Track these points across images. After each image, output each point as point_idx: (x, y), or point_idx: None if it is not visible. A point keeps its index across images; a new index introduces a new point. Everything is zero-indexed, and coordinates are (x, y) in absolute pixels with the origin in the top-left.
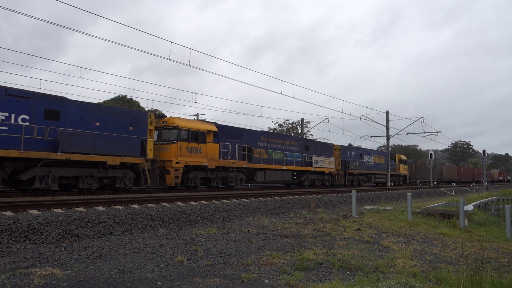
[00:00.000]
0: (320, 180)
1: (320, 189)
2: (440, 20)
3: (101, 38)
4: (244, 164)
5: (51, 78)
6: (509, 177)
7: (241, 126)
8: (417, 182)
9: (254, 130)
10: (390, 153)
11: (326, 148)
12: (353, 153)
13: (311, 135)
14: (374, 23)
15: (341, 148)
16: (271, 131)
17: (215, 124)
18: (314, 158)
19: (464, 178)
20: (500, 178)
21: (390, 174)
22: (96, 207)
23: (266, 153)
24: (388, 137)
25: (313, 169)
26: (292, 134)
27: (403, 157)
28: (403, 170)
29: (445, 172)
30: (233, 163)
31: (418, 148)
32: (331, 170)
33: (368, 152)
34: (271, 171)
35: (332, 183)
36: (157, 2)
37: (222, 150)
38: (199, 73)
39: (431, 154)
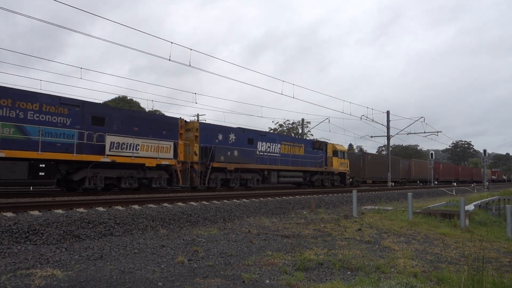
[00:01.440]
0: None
1: (321, 189)
2: (441, 19)
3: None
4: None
5: (50, 79)
6: (504, 177)
7: (242, 126)
8: (369, 181)
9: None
10: (318, 141)
11: (160, 125)
12: (231, 136)
13: (312, 135)
14: (375, 22)
15: (200, 128)
16: (271, 131)
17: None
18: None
19: (443, 178)
20: (494, 177)
21: (316, 172)
22: (96, 208)
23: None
24: (388, 137)
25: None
26: (292, 134)
27: (341, 147)
28: (340, 165)
29: (415, 169)
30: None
31: (418, 148)
32: (165, 162)
33: (270, 137)
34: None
35: (170, 184)
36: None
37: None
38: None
39: (431, 154)
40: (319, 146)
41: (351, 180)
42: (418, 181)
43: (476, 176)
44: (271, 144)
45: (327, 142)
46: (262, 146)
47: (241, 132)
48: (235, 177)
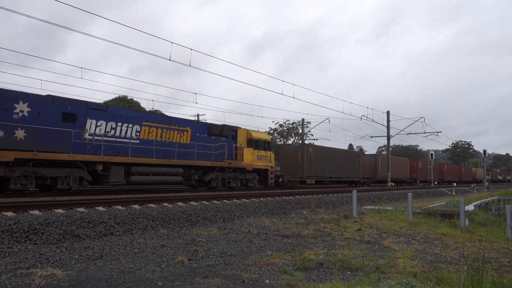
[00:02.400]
0: None
1: (321, 189)
2: (442, 19)
3: (99, 38)
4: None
5: (50, 78)
6: (499, 177)
7: (241, 126)
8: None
9: None
10: (218, 125)
11: None
12: (21, 107)
13: (312, 135)
14: (375, 21)
15: None
16: (271, 131)
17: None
18: None
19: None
20: (488, 177)
21: (213, 168)
22: (97, 208)
23: None
24: (388, 137)
25: None
26: (293, 135)
27: (261, 134)
28: (257, 159)
29: (381, 168)
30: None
31: (418, 148)
32: None
33: (116, 114)
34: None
35: None
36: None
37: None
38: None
39: (431, 154)
40: (221, 132)
41: (281, 179)
42: (418, 182)
43: (465, 176)
44: (120, 124)
45: (238, 127)
46: (97, 126)
47: (49, 102)
48: (22, 174)
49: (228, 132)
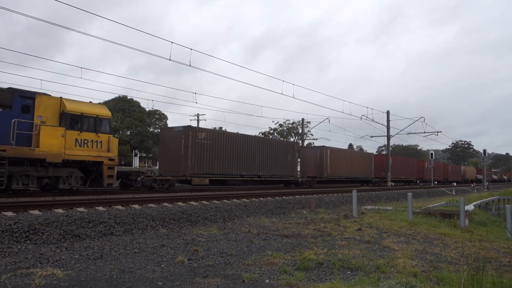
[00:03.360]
0: None
1: (321, 189)
2: (442, 18)
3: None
4: None
5: (49, 78)
6: (495, 176)
7: (242, 126)
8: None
9: None
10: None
11: None
12: None
13: (312, 135)
14: (375, 21)
15: None
16: (271, 131)
17: None
18: None
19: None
20: (480, 176)
21: None
22: (97, 207)
23: None
24: (388, 137)
25: None
26: (293, 134)
27: (85, 107)
28: (78, 147)
29: (331, 163)
30: None
31: (418, 148)
32: None
33: None
34: None
35: None
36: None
37: None
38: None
39: (431, 154)
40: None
41: (155, 178)
42: (418, 182)
43: (452, 175)
44: None
45: (37, 93)
46: None
47: None
48: None
49: (8, 99)
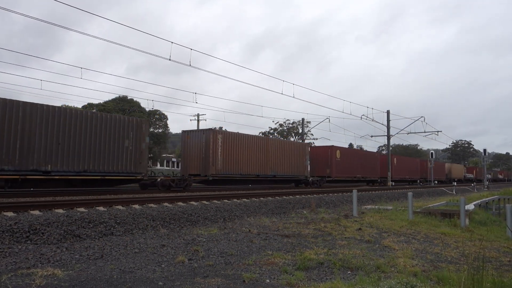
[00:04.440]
0: None
1: (321, 189)
2: (442, 17)
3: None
4: None
5: (49, 78)
6: (488, 176)
7: (242, 126)
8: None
9: None
10: None
11: None
12: None
13: (312, 134)
14: (376, 19)
15: None
16: (271, 131)
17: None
18: None
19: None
20: (470, 176)
21: None
22: (97, 208)
23: None
24: (388, 137)
25: None
26: (293, 134)
27: None
28: None
29: (271, 159)
30: None
31: (419, 147)
32: None
33: None
34: None
35: None
36: None
37: None
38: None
39: (431, 153)
40: None
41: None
42: (418, 182)
43: (418, 174)
44: None
45: None
46: None
47: None
48: None
49: None
